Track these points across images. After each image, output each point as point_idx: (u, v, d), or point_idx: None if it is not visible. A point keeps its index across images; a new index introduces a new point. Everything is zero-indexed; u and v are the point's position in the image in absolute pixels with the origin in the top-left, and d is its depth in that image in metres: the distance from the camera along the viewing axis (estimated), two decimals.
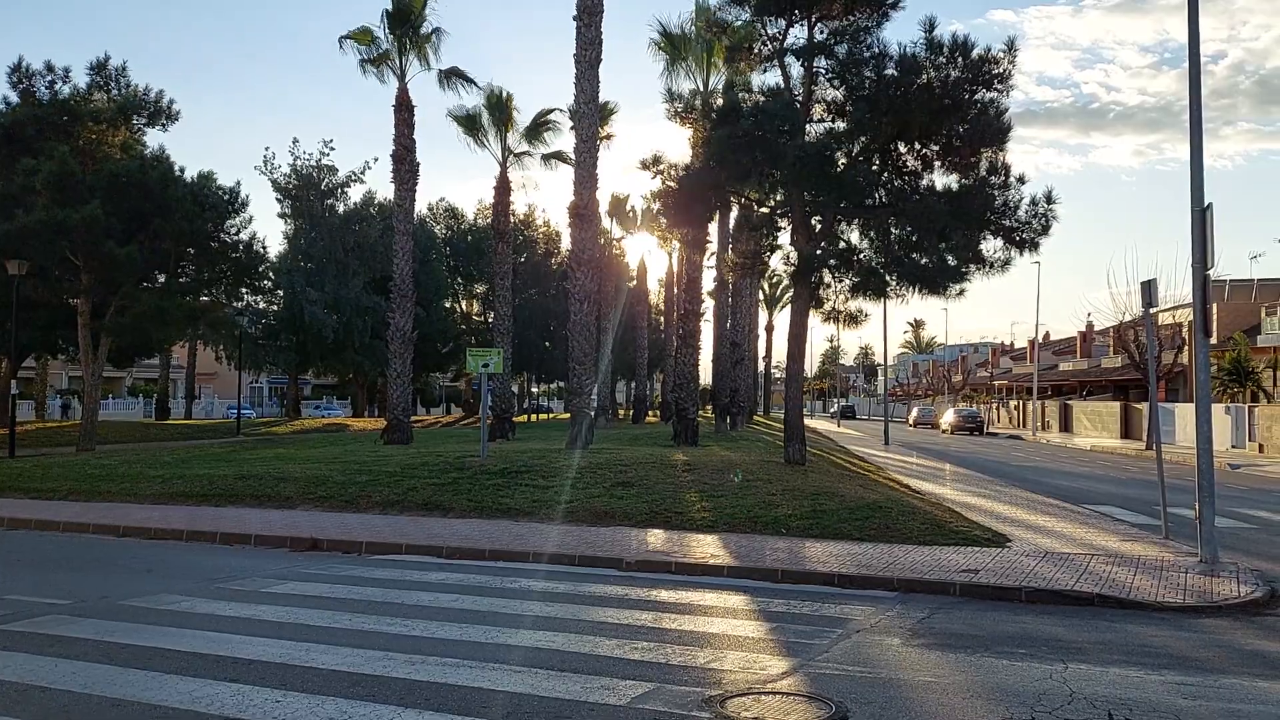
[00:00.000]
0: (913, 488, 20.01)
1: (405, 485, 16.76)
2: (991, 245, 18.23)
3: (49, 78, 30.82)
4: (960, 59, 17.41)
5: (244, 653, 7.12)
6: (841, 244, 19.43)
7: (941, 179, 18.55)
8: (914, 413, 75.26)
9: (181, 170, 33.18)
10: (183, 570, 10.97)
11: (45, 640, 7.51)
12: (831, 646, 7.47)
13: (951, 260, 18.20)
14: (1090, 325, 61.85)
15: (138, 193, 28.82)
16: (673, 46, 31.56)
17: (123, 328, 30.46)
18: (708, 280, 38.04)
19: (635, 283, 61.79)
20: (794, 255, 19.46)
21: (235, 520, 14.38)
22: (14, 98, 30.45)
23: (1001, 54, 17.55)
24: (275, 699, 6.02)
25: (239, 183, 56.75)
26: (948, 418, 61.48)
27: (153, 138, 34.70)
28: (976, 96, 17.48)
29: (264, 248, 38.78)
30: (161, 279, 33.30)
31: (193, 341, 54.68)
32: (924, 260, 18.35)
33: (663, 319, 65.72)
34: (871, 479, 20.75)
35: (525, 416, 66.39)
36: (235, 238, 35.10)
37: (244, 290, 41.24)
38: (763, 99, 19.20)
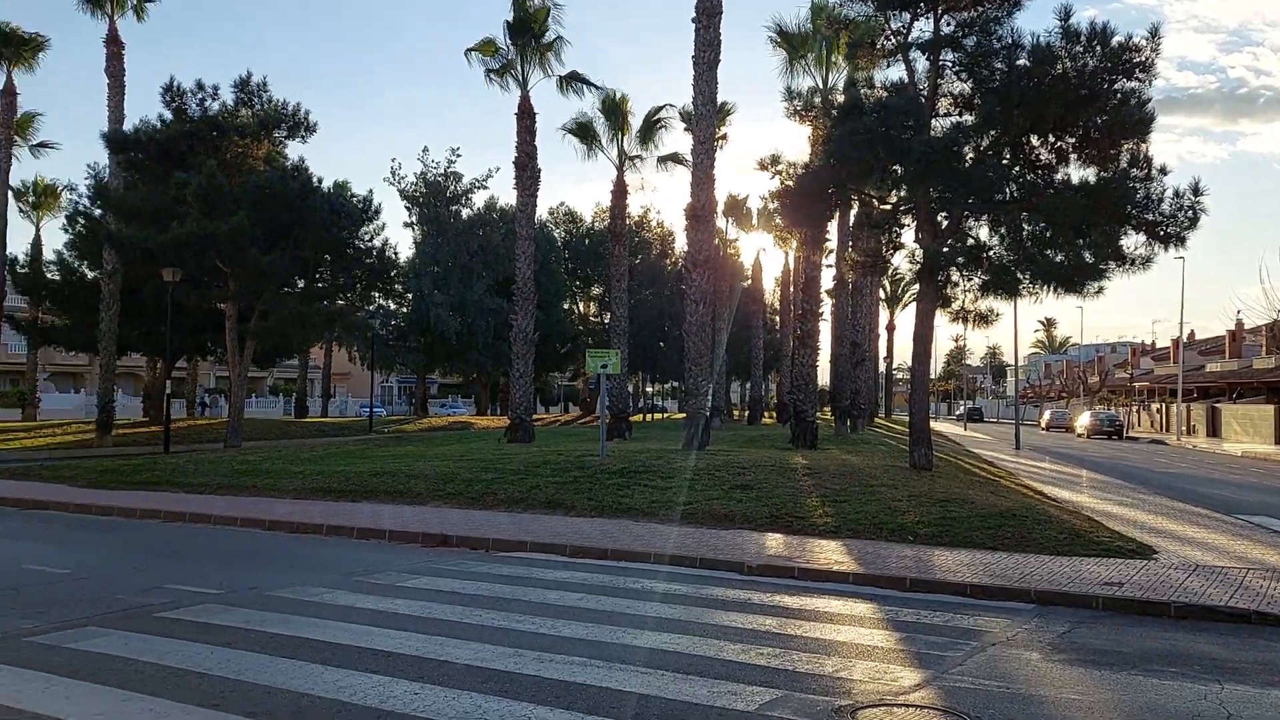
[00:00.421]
0: (1048, 495, 19.33)
1: (529, 483, 17.09)
2: (1133, 241, 17.51)
3: (199, 95, 32.56)
4: (1099, 47, 16.75)
5: (382, 645, 7.39)
6: (970, 241, 18.93)
7: (1078, 172, 17.92)
8: (1046, 416, 72.70)
9: (319, 181, 34.63)
10: (323, 564, 11.44)
11: (200, 628, 7.94)
12: (965, 659, 7.29)
13: (1089, 257, 17.53)
14: (1240, 323, 58.60)
15: (279, 203, 30.19)
16: (790, 45, 31.29)
17: (266, 331, 31.97)
18: (826, 279, 37.60)
19: (750, 282, 61.50)
20: (919, 253, 19.06)
21: (371, 516, 14.91)
22: (168, 115, 32.23)
23: (1144, 41, 16.84)
24: (413, 691, 6.23)
25: (371, 191, 59.02)
26: (1083, 421, 59.17)
27: (292, 149, 36.19)
28: (1116, 86, 16.79)
29: (395, 253, 40.16)
30: (301, 284, 34.85)
31: (329, 343, 57.04)
32: (1059, 257, 17.73)
33: (778, 319, 65.25)
34: (1002, 485, 20.14)
35: (640, 416, 66.83)
36: (368, 244, 36.49)
37: (376, 294, 42.74)
38: (885, 94, 18.89)
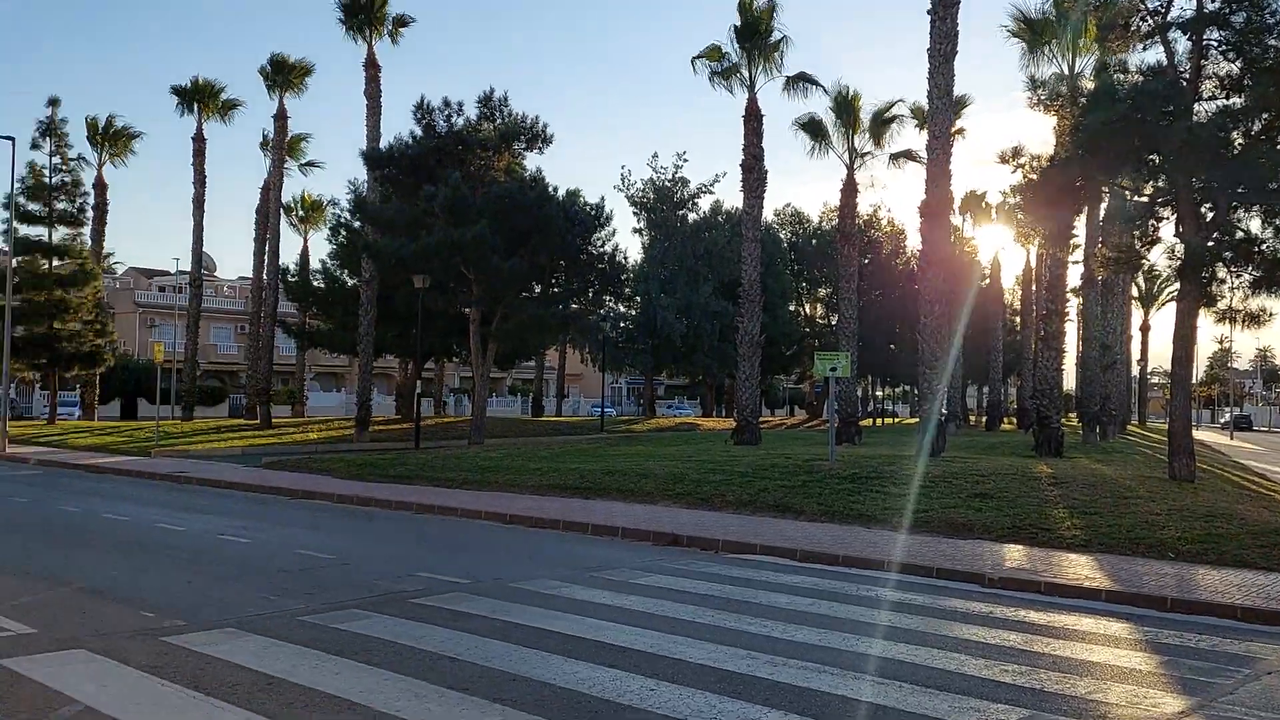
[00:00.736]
0: None
1: (757, 486, 17.10)
2: None
3: (445, 112, 34.70)
4: None
5: (617, 640, 7.61)
6: (1238, 234, 17.31)
7: None
8: None
9: (554, 190, 36.13)
10: (560, 558, 11.92)
11: (451, 615, 8.47)
12: (1237, 688, 6.69)
13: None
14: None
15: (518, 212, 31.71)
16: (1031, 32, 29.73)
17: (506, 333, 33.68)
18: (1073, 277, 35.41)
19: (988, 281, 58.85)
20: (1179, 248, 17.59)
21: (604, 513, 15.39)
22: (418, 131, 34.56)
23: None
24: (649, 687, 6.38)
25: (602, 199, 60.79)
26: None
27: (530, 160, 37.89)
28: None
29: (624, 258, 41.24)
30: (538, 289, 36.46)
31: (563, 345, 59.32)
32: None
33: (1018, 319, 62.16)
34: (1277, 500, 18.30)
35: (870, 421, 65.32)
36: (600, 250, 37.66)
37: (607, 298, 44.05)
38: (1141, 79, 17.57)
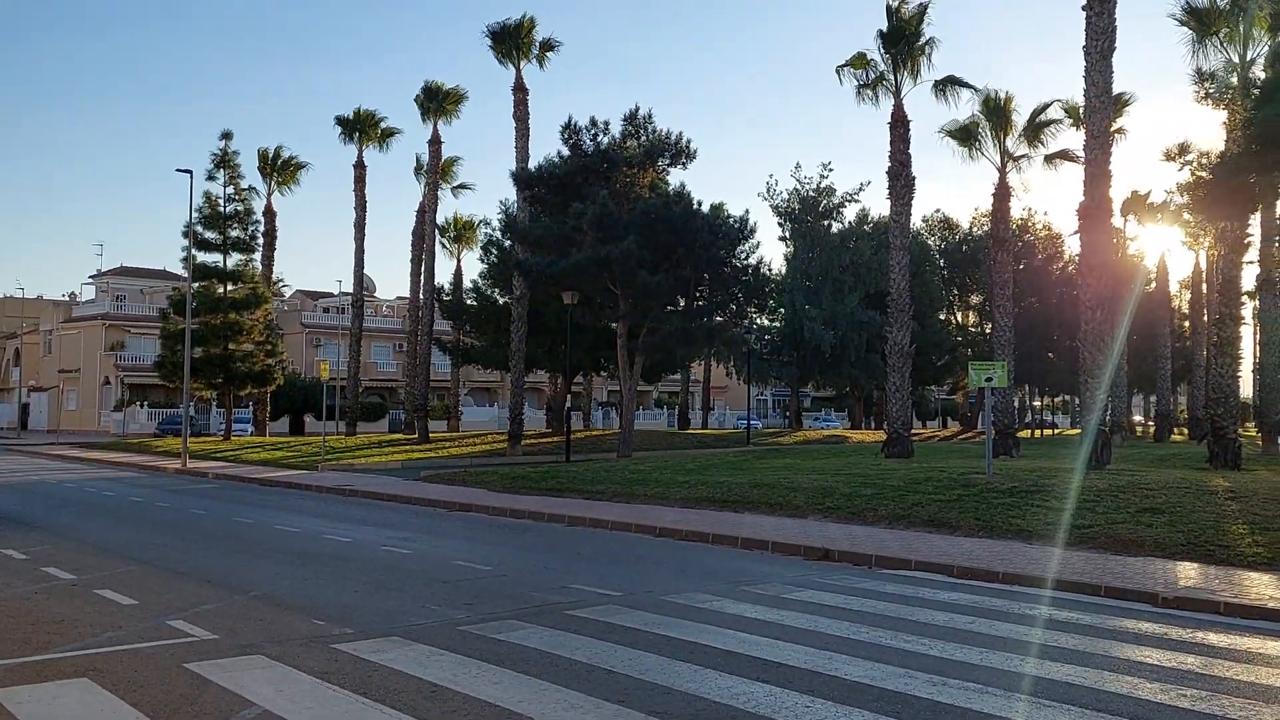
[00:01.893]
0: None
1: (910, 500, 16.73)
2: None
3: (591, 131, 35.51)
4: None
5: (771, 655, 7.59)
6: None
7: None
8: None
9: (699, 204, 36.32)
10: (710, 571, 11.95)
11: (604, 627, 8.61)
12: None
13: None
14: None
15: (664, 227, 32.07)
16: (1198, 21, 28.11)
17: (652, 347, 34.05)
18: (1247, 279, 33.21)
19: (1153, 285, 55.83)
20: None
21: (753, 526, 15.35)
22: (565, 151, 35.42)
23: None
24: (805, 704, 6.34)
25: (747, 211, 60.77)
26: None
27: (674, 175, 38.26)
28: None
29: (769, 270, 41.05)
30: (682, 303, 36.69)
31: (708, 358, 59.44)
32: None
33: (1187, 324, 58.76)
34: None
35: (1028, 432, 62.90)
36: (744, 262, 37.63)
37: (751, 310, 43.93)
38: None
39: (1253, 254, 31.63)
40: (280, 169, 51.57)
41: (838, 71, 31.80)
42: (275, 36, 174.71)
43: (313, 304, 78.87)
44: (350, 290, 53.37)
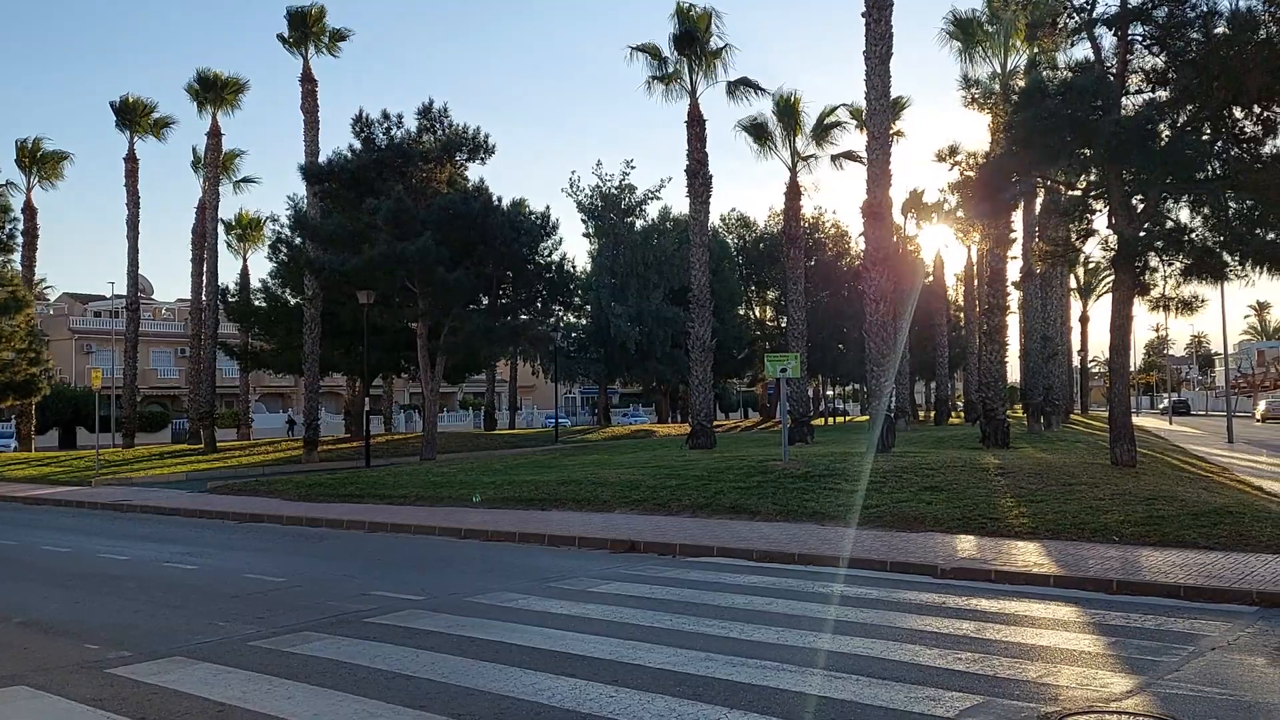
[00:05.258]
0: (1266, 490, 17.89)
1: (712, 489, 17.16)
2: None
3: (385, 124, 34.41)
4: None
5: (577, 649, 7.58)
6: (1169, 223, 17.77)
7: None
8: (1262, 406, 67.26)
9: (498, 200, 35.90)
10: (517, 570, 11.84)
11: (406, 633, 8.37)
12: (1182, 665, 6.85)
13: None
14: None
15: (462, 223, 31.52)
16: (964, 33, 30.26)
17: (455, 346, 33.40)
18: (1012, 272, 36.01)
19: (931, 279, 59.69)
20: (1113, 239, 18.03)
21: (560, 523, 15.33)
22: (357, 145, 34.21)
23: None
24: (609, 694, 6.37)
25: (548, 207, 60.83)
26: None
27: (473, 171, 37.69)
28: None
29: (573, 267, 41.15)
30: (485, 301, 36.20)
31: (514, 357, 58.98)
32: (1271, 236, 16.41)
33: (962, 315, 63.13)
34: (1215, 481, 18.80)
35: (821, 420, 65.90)
36: (548, 259, 37.56)
37: (556, 307, 43.91)
38: (1070, 75, 17.99)
39: (1017, 249, 34.34)
40: (40, 161, 47.48)
41: (630, 52, 31.77)
42: (58, 25, 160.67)
43: (82, 308, 73.16)
44: (124, 293, 49.77)
